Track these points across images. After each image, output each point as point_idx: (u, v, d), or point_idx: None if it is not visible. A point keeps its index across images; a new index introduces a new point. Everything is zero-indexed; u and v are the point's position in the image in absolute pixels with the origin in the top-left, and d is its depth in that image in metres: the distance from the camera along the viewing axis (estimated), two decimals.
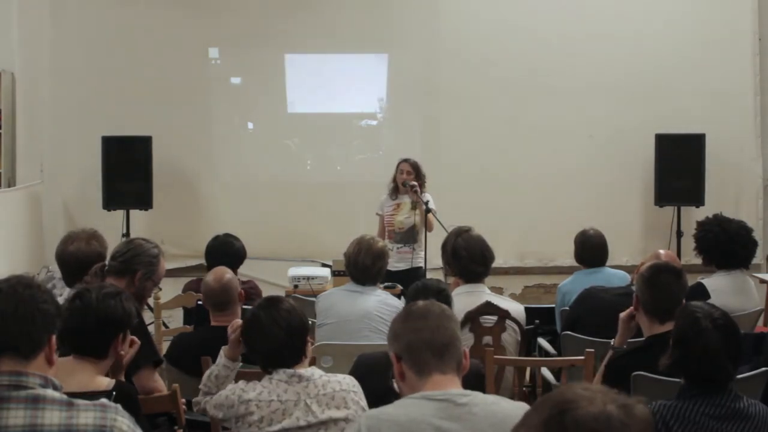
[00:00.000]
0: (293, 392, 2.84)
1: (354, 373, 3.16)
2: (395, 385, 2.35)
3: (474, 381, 2.97)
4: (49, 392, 1.98)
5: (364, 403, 2.89)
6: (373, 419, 2.22)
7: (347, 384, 2.91)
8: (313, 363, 3.43)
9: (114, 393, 2.66)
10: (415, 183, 6.26)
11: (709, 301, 3.87)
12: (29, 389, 1.96)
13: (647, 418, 1.43)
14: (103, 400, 2.05)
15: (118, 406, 2.06)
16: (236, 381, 3.09)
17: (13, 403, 1.94)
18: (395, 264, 6.16)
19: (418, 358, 2.25)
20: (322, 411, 2.82)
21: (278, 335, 2.90)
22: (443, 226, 5.55)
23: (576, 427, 1.39)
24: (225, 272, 4.06)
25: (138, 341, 3.00)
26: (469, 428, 2.17)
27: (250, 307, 3.26)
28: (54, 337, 2.07)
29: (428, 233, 6.19)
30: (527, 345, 4.40)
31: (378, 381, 2.96)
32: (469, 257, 4.36)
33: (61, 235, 4.14)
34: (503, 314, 4.15)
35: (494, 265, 4.51)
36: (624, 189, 7.89)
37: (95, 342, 2.82)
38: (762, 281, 6.11)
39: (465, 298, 4.18)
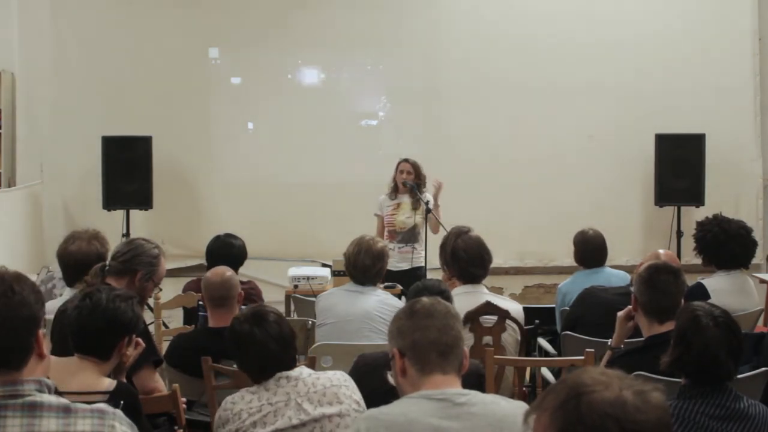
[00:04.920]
0: (282, 393, 2.83)
1: (354, 373, 3.16)
2: (390, 378, 2.35)
3: (474, 381, 2.98)
4: (46, 397, 1.94)
5: (357, 396, 2.89)
6: (372, 420, 2.22)
7: (338, 379, 2.90)
8: (313, 363, 3.43)
9: (115, 394, 2.65)
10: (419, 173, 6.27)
11: (709, 301, 3.87)
12: (26, 396, 1.93)
13: (663, 406, 1.43)
14: (102, 405, 2.02)
15: (117, 411, 2.02)
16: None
17: (10, 410, 1.91)
18: (397, 264, 6.16)
19: (422, 357, 2.26)
20: (315, 408, 2.81)
21: (274, 348, 2.90)
22: (443, 227, 5.54)
23: (591, 411, 1.39)
24: (226, 270, 4.06)
25: (142, 343, 3.00)
26: (467, 427, 2.17)
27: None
28: (41, 332, 1.99)
29: (430, 233, 6.19)
30: (527, 345, 4.40)
31: (378, 381, 2.95)
32: (467, 259, 4.35)
33: (61, 235, 4.13)
34: (503, 314, 4.14)
35: (494, 265, 4.51)
36: (624, 189, 7.89)
37: (101, 343, 2.82)
38: (762, 281, 6.10)
39: (464, 298, 4.17)
